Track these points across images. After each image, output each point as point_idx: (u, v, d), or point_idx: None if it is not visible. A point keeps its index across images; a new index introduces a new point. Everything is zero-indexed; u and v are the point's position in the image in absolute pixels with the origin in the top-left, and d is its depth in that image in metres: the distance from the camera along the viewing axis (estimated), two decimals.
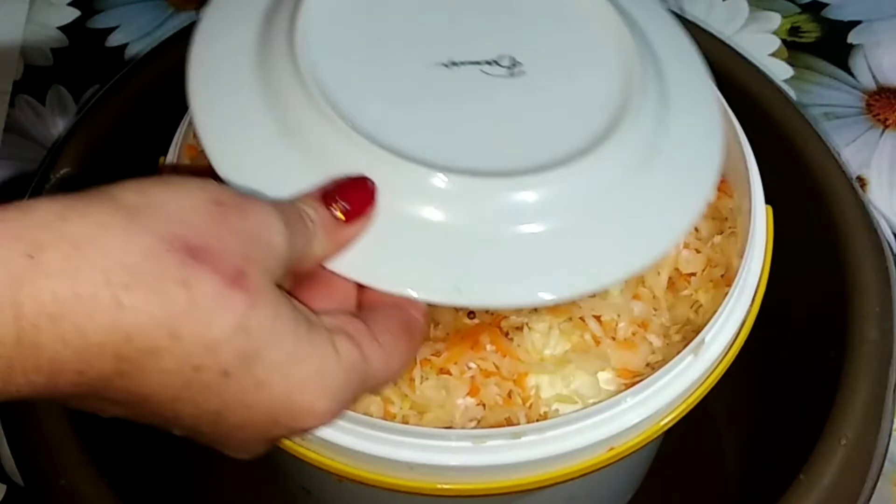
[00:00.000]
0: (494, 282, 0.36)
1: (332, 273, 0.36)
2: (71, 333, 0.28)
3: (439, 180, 0.36)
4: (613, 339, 0.41)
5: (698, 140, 0.42)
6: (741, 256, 0.43)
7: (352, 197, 0.36)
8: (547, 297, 0.37)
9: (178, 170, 0.43)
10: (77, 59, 0.73)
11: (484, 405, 0.40)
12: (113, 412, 0.32)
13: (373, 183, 0.36)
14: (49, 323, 0.28)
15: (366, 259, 0.36)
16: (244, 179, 0.37)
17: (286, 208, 0.34)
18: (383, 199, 0.36)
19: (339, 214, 0.35)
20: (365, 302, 0.36)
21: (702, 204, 0.40)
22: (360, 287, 0.36)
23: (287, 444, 0.39)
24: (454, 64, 0.41)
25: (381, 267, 0.36)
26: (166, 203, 0.31)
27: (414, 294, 0.36)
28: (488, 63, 0.41)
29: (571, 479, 0.39)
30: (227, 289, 0.30)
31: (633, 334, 0.42)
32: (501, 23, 0.43)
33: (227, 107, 0.39)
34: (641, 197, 0.39)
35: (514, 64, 0.42)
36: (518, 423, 0.39)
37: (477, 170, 0.37)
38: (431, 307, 0.39)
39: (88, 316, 0.28)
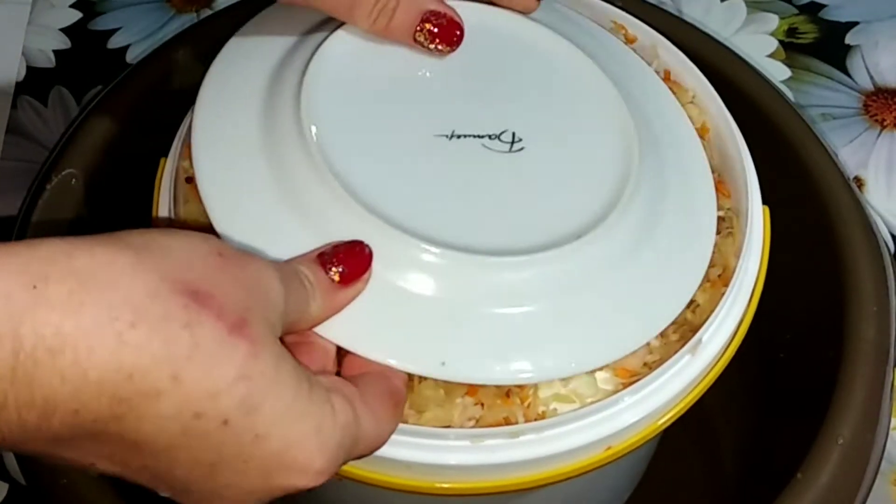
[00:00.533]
0: (478, 359, 0.38)
1: (315, 335, 0.36)
2: (70, 370, 0.28)
3: (430, 254, 0.38)
4: None
5: (691, 227, 0.43)
6: (738, 256, 0.43)
7: (348, 261, 0.36)
8: (526, 377, 0.38)
9: (172, 223, 0.43)
10: (79, 60, 0.74)
11: (482, 404, 0.40)
12: (103, 467, 0.31)
13: (369, 248, 0.37)
14: (48, 357, 0.28)
15: (354, 325, 0.37)
16: (242, 237, 0.38)
17: (283, 268, 0.34)
18: (375, 266, 0.37)
19: (335, 277, 0.36)
20: (346, 367, 0.37)
21: (687, 296, 0.41)
22: (341, 351, 0.37)
23: None
24: (456, 136, 0.42)
25: (369, 335, 0.37)
26: (171, 248, 0.31)
27: (398, 365, 0.37)
28: (490, 137, 0.42)
29: (569, 479, 0.39)
30: (229, 336, 0.30)
31: None
32: (505, 96, 0.44)
33: (228, 165, 0.40)
34: (628, 284, 0.40)
35: (515, 140, 0.42)
36: (516, 423, 0.39)
37: (468, 246, 0.38)
38: None
39: (89, 351, 0.28)
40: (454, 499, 0.40)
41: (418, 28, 0.42)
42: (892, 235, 0.65)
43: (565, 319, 0.39)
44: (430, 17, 0.42)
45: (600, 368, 0.39)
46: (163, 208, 0.43)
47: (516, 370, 0.38)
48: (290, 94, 0.41)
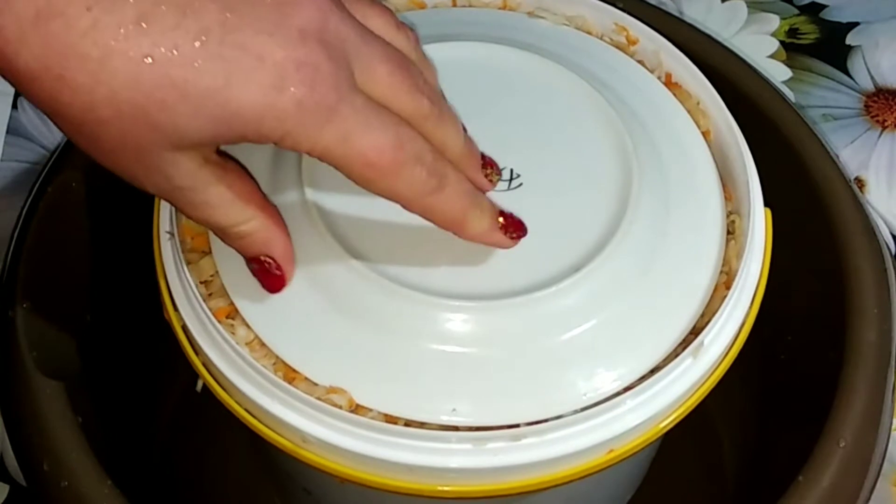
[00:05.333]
0: (487, 403, 0.39)
1: None
2: None
3: (425, 304, 0.39)
4: None
5: (698, 240, 0.43)
6: (740, 259, 0.43)
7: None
8: (536, 415, 0.38)
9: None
10: None
11: None
12: None
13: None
14: None
15: (371, 380, 0.39)
16: (245, 289, 0.40)
17: None
18: (381, 324, 0.39)
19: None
20: None
21: (696, 314, 0.41)
22: None
23: (288, 446, 0.39)
24: None
25: (381, 387, 0.39)
26: None
27: (408, 414, 0.38)
28: None
29: (571, 481, 0.39)
30: None
31: None
32: (501, 131, 0.44)
33: None
34: (635, 309, 0.41)
35: (513, 176, 0.43)
36: (518, 426, 0.39)
37: (466, 293, 0.39)
38: None
39: None
40: (456, 502, 0.40)
41: None
42: (894, 236, 0.65)
43: (571, 356, 0.39)
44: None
45: (611, 396, 0.39)
46: (164, 213, 0.43)
47: (527, 412, 0.38)
48: (293, 161, 0.42)
